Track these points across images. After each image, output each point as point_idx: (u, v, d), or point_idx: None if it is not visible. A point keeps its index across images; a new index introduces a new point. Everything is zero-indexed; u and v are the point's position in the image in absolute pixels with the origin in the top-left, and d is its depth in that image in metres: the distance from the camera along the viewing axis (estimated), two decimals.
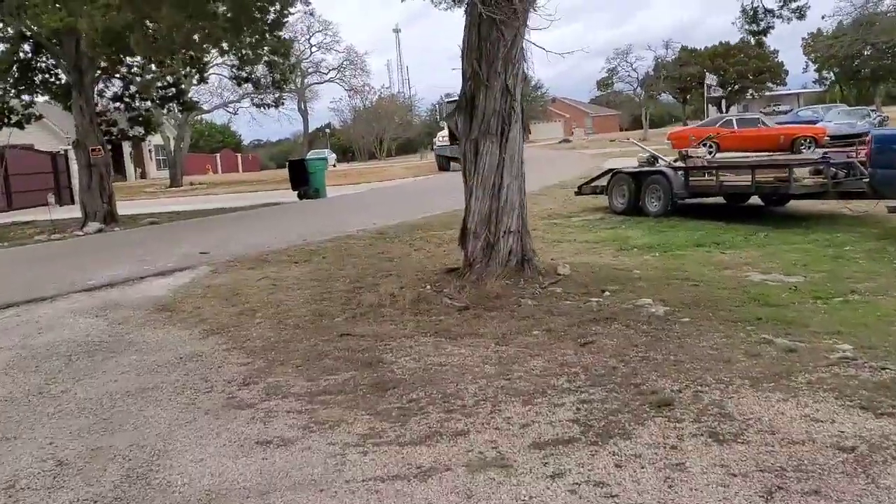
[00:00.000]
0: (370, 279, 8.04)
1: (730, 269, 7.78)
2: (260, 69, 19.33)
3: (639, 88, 61.08)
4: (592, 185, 13.66)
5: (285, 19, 16.79)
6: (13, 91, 17.38)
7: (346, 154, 74.26)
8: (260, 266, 9.18)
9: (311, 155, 49.85)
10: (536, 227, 11.15)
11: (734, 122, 24.71)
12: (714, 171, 11.86)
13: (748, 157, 19.19)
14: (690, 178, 11.76)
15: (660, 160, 13.55)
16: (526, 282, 7.28)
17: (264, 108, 31.26)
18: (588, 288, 7.02)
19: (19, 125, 18.16)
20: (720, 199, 12.34)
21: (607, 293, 6.81)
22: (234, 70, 19.09)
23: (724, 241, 9.45)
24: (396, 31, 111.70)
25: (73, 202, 24.42)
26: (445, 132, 31.47)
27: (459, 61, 7.49)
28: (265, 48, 17.28)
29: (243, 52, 17.26)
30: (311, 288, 7.75)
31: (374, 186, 25.67)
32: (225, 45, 17.54)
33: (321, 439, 3.91)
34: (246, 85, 43.24)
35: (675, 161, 13.23)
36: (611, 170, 13.56)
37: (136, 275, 9.06)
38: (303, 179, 20.36)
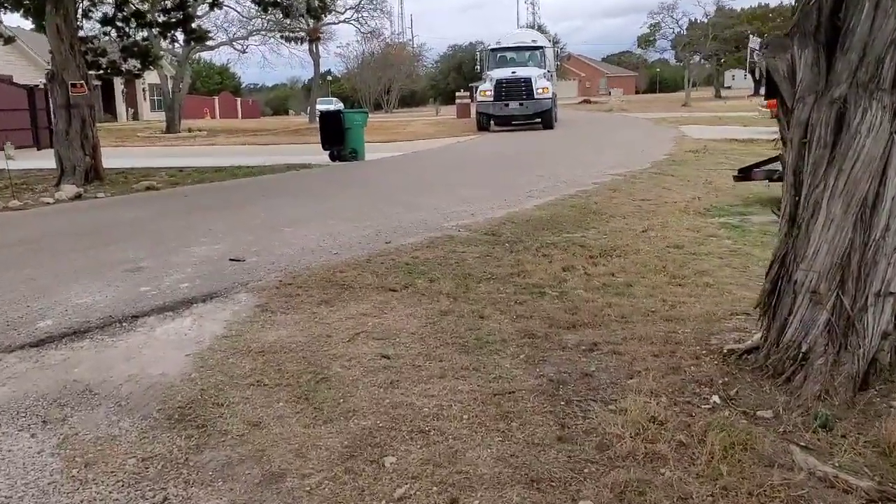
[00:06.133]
0: (558, 353, 4.31)
1: None
2: None
3: (676, 49, 57.12)
4: (767, 168, 9.80)
5: None
6: None
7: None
8: (339, 297, 5.38)
9: (320, 104, 45.71)
10: (718, 237, 7.44)
11: None
12: None
13: None
14: None
15: None
16: None
17: (296, 42, 26.89)
18: None
19: None
20: None
21: None
22: None
23: None
24: None
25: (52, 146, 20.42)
26: (488, 86, 27.36)
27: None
28: None
29: None
30: (464, 374, 3.98)
31: (413, 149, 21.62)
32: None
33: None
34: (256, 20, 38.88)
35: None
36: None
37: (127, 306, 5.26)
38: (337, 137, 16.30)
